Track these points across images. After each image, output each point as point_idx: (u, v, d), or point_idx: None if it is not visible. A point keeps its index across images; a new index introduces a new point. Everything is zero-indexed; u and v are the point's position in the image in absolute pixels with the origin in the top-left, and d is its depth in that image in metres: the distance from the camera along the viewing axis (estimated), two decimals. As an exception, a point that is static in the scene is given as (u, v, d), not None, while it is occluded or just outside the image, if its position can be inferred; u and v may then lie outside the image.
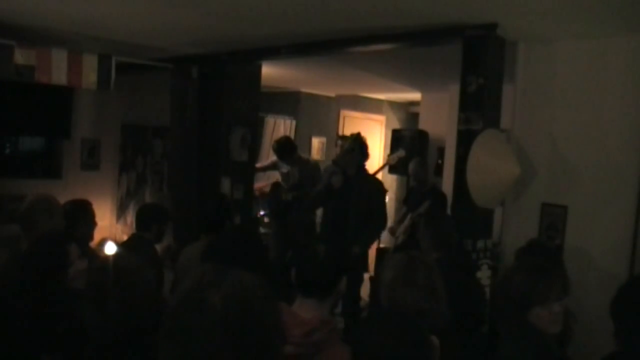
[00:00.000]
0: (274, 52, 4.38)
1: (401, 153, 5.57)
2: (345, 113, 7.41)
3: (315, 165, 5.30)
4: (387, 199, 4.47)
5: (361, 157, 4.27)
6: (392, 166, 6.23)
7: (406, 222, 4.82)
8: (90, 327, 1.89)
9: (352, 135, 4.37)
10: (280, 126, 6.86)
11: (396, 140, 6.30)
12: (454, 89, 4.14)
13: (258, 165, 5.77)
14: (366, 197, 4.15)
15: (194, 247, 3.00)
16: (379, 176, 5.28)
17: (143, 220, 3.43)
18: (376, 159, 7.12)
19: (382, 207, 4.29)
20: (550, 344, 1.93)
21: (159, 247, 3.60)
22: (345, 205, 4.11)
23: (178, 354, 1.03)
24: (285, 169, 5.29)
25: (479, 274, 3.22)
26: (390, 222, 5.39)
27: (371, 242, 4.48)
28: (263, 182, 5.77)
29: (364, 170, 4.34)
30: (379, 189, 4.31)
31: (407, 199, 5.15)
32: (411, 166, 5.00)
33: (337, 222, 4.14)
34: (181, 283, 1.12)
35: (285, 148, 5.17)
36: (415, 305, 1.85)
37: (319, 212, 4.95)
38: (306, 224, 4.97)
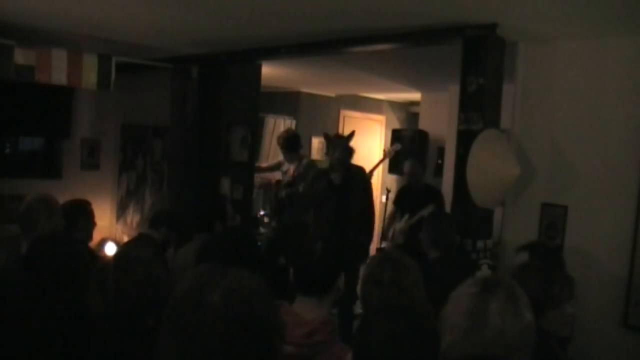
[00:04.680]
0: (274, 52, 4.38)
1: (397, 146, 5.61)
2: (345, 113, 7.41)
3: (307, 163, 5.27)
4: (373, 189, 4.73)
5: (351, 154, 4.48)
6: (392, 165, 6.25)
7: (402, 223, 4.79)
8: (95, 316, 1.90)
9: (337, 134, 4.43)
10: (280, 126, 6.86)
11: (396, 140, 6.31)
12: (454, 89, 4.14)
13: (264, 165, 5.76)
14: (361, 193, 4.32)
15: (189, 247, 3.00)
16: (377, 171, 5.41)
17: (155, 220, 3.49)
18: (376, 159, 7.12)
19: (371, 204, 4.55)
20: (556, 348, 1.93)
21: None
22: (345, 202, 4.19)
23: (178, 352, 1.03)
24: (285, 167, 5.29)
25: (478, 274, 3.22)
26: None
27: (372, 230, 4.65)
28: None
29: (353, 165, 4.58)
30: (368, 186, 4.52)
31: (399, 199, 5.11)
32: (407, 166, 4.99)
33: (338, 218, 4.19)
34: (179, 282, 1.12)
35: (291, 141, 5.14)
36: (383, 302, 1.87)
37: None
38: (302, 223, 4.99)
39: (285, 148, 5.13)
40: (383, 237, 5.04)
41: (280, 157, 5.43)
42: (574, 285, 2.01)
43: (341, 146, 4.26)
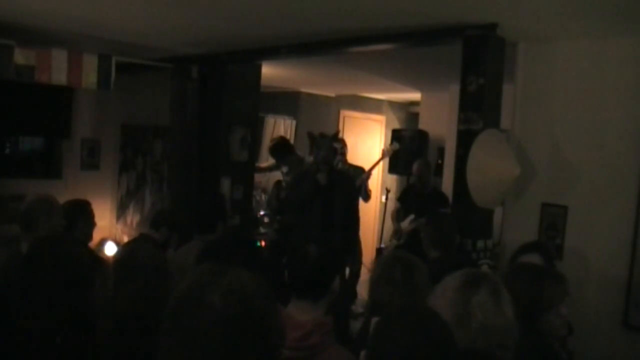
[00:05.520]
0: (274, 52, 4.38)
1: (395, 146, 5.63)
2: (345, 113, 7.41)
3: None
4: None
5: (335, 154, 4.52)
6: (392, 165, 6.25)
7: (406, 223, 4.81)
8: (96, 317, 1.91)
9: (321, 134, 4.43)
10: (280, 126, 6.85)
11: (396, 140, 6.31)
12: (454, 89, 4.14)
13: (263, 165, 5.76)
14: (347, 194, 4.31)
15: (188, 247, 3.00)
16: (377, 170, 5.41)
17: (156, 220, 3.49)
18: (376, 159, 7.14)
19: (357, 205, 4.54)
20: (557, 348, 1.93)
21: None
22: (330, 203, 4.19)
23: (177, 352, 1.03)
24: (285, 168, 5.29)
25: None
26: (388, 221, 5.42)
27: (357, 231, 4.64)
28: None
29: (338, 168, 4.61)
30: (353, 186, 4.53)
31: (404, 198, 5.14)
32: (415, 166, 5.00)
33: (324, 219, 4.18)
34: (179, 282, 1.11)
35: (278, 148, 5.18)
36: (394, 301, 1.87)
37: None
38: (297, 226, 5.02)
39: (275, 156, 5.17)
40: (397, 234, 5.04)
41: None
42: (565, 282, 2.00)
43: (326, 146, 4.25)
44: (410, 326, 1.27)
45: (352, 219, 4.38)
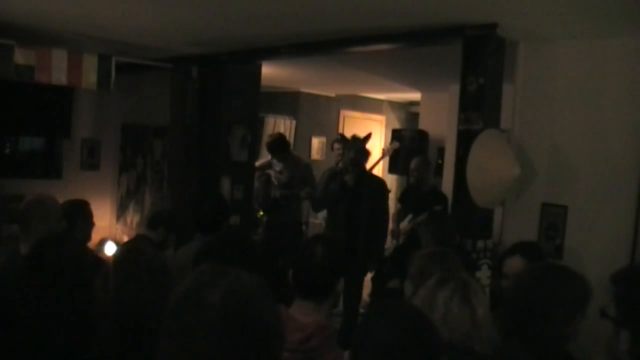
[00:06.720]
0: (274, 52, 4.38)
1: (395, 144, 5.62)
2: (345, 113, 7.41)
3: (306, 165, 5.30)
4: (389, 199, 4.61)
5: (366, 157, 4.42)
6: (392, 165, 6.25)
7: (405, 223, 4.80)
8: (97, 317, 1.91)
9: (353, 136, 4.42)
10: (280, 126, 6.85)
11: (396, 140, 6.31)
12: (454, 89, 4.14)
13: (257, 163, 5.77)
14: (376, 196, 4.28)
15: (189, 247, 2.98)
16: (377, 170, 5.41)
17: (153, 220, 3.48)
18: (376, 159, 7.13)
19: (386, 209, 4.48)
20: (572, 352, 1.93)
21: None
22: (357, 205, 4.18)
23: (177, 352, 1.03)
24: (278, 166, 5.28)
25: (478, 274, 3.22)
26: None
27: (381, 250, 4.59)
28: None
29: (368, 170, 4.51)
30: (384, 190, 4.47)
31: (404, 198, 5.12)
32: (413, 164, 4.98)
33: (350, 221, 4.18)
34: (178, 282, 1.11)
35: (277, 144, 5.17)
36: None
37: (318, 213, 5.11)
38: (295, 224, 5.04)
39: (271, 151, 5.16)
40: (393, 234, 5.03)
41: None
42: (587, 282, 2.00)
43: (355, 148, 4.25)
44: (392, 324, 1.26)
45: (379, 223, 4.34)
